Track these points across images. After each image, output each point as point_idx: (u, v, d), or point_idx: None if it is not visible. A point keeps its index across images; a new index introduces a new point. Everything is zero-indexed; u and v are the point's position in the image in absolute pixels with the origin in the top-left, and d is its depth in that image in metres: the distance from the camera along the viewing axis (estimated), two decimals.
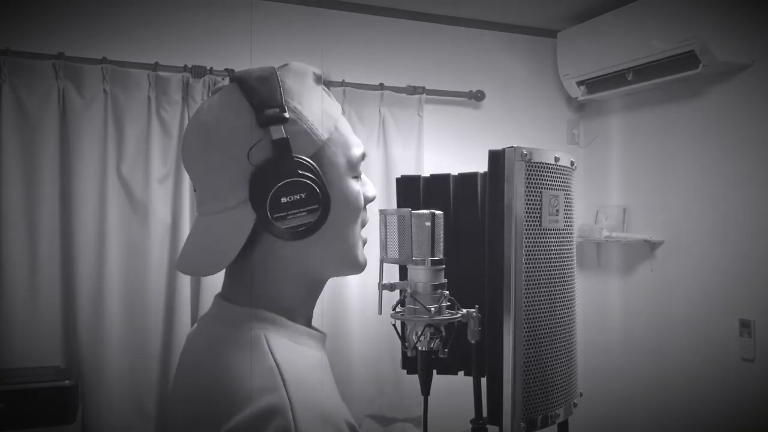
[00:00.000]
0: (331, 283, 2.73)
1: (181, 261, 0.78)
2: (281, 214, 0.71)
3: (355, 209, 0.80)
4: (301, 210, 0.72)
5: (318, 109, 0.76)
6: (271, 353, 0.70)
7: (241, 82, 0.74)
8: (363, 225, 0.83)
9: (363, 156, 0.81)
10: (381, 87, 2.87)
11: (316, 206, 0.72)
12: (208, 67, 2.58)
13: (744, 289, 2.53)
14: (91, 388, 2.38)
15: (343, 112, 0.82)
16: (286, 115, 0.72)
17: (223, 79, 2.59)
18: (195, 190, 0.79)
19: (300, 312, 0.80)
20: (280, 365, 0.69)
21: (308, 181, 0.72)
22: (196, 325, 0.84)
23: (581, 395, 1.27)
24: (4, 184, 2.31)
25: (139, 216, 2.49)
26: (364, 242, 0.84)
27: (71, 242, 2.39)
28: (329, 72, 2.82)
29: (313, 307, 0.83)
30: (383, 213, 1.12)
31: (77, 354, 2.39)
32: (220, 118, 0.74)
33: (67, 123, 2.40)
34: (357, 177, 0.80)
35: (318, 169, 0.73)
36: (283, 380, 0.67)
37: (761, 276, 2.47)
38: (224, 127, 0.74)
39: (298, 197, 0.71)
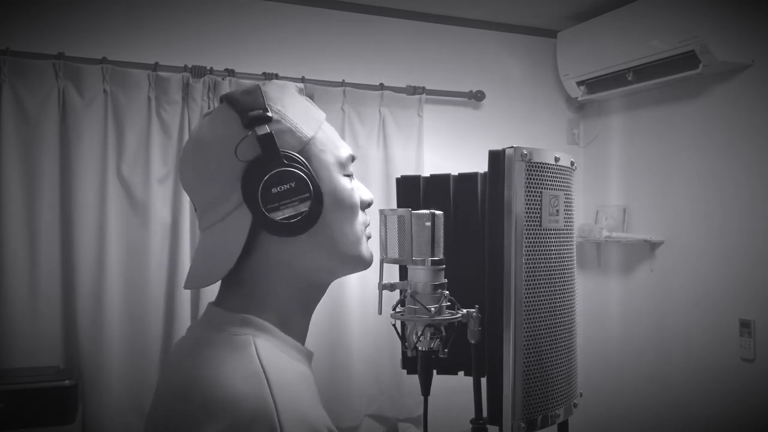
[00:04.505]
0: (331, 283, 2.73)
1: (188, 278, 0.80)
2: (273, 204, 0.73)
3: (350, 206, 0.81)
4: (293, 200, 0.74)
5: (301, 111, 0.79)
6: (258, 358, 0.70)
7: (228, 98, 0.79)
8: (366, 225, 0.85)
9: (352, 157, 0.83)
10: (381, 87, 2.87)
11: (307, 195, 0.74)
12: (208, 67, 2.58)
13: (744, 289, 2.53)
14: (91, 388, 2.38)
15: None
16: (269, 114, 0.75)
17: (223, 79, 2.59)
18: (195, 210, 0.81)
19: (293, 326, 0.80)
20: (267, 370, 0.69)
21: (297, 171, 0.74)
22: (185, 332, 0.84)
23: (581, 395, 1.27)
24: (4, 184, 2.31)
25: (139, 216, 2.49)
26: (368, 238, 0.85)
27: (71, 242, 2.39)
28: (329, 72, 2.82)
29: (308, 325, 0.84)
30: (383, 213, 1.12)
31: (77, 354, 2.39)
32: (211, 131, 0.78)
33: (67, 123, 2.40)
34: (349, 176, 0.82)
35: (305, 161, 0.76)
36: (269, 385, 0.67)
37: (761, 276, 2.47)
38: (214, 137, 0.77)
39: (288, 186, 0.73)
